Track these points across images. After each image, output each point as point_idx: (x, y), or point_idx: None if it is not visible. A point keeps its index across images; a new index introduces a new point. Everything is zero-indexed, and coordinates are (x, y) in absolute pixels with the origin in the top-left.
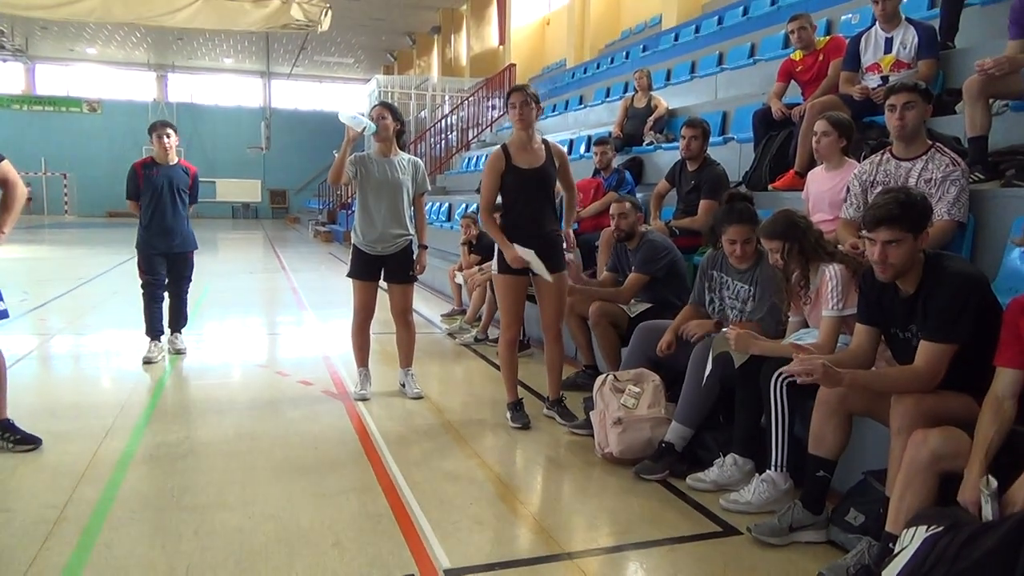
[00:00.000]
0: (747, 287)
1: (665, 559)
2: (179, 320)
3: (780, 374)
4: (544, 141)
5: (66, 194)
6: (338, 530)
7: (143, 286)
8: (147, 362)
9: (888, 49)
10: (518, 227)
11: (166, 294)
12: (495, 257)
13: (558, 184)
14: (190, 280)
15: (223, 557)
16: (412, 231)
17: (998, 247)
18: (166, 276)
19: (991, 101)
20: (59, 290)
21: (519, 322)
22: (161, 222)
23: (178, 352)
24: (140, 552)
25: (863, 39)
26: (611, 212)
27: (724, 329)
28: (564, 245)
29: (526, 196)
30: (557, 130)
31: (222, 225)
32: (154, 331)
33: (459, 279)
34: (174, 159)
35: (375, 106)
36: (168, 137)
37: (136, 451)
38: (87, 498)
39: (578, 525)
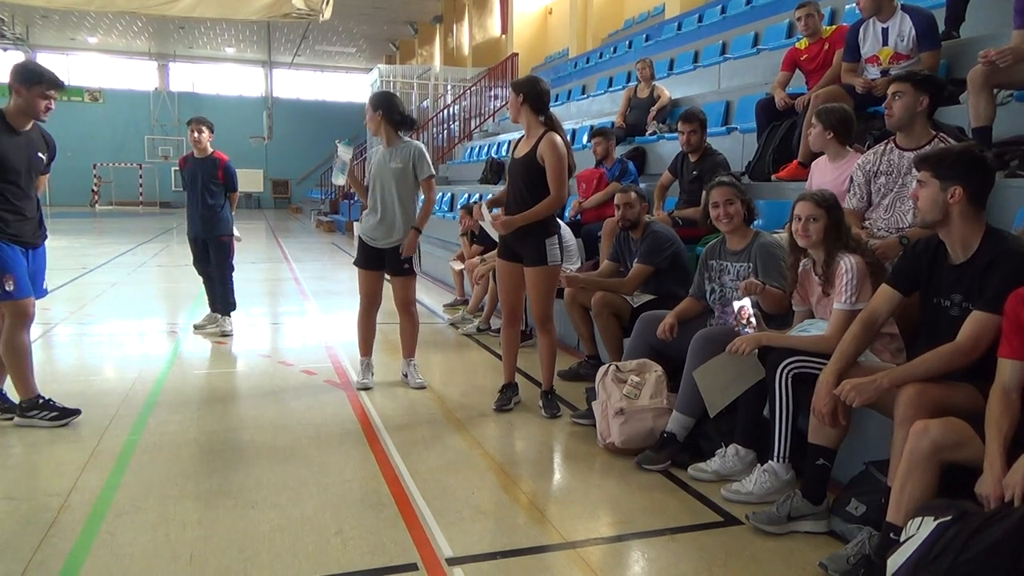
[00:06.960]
0: (746, 264)
1: (666, 548)
2: (221, 304)
3: (786, 365)
4: (542, 136)
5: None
6: (341, 518)
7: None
8: (195, 328)
9: (885, 41)
10: (504, 207)
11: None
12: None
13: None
14: (230, 266)
15: (226, 545)
16: (405, 225)
17: None
18: (206, 260)
19: (995, 91)
20: (62, 279)
21: (511, 306)
22: (191, 210)
23: (224, 334)
24: (143, 540)
25: (861, 29)
26: (616, 202)
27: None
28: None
29: (512, 183)
30: (560, 120)
31: None
32: (210, 305)
33: (456, 266)
34: (206, 151)
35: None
36: (199, 132)
37: (140, 440)
38: (91, 487)
39: (580, 515)
